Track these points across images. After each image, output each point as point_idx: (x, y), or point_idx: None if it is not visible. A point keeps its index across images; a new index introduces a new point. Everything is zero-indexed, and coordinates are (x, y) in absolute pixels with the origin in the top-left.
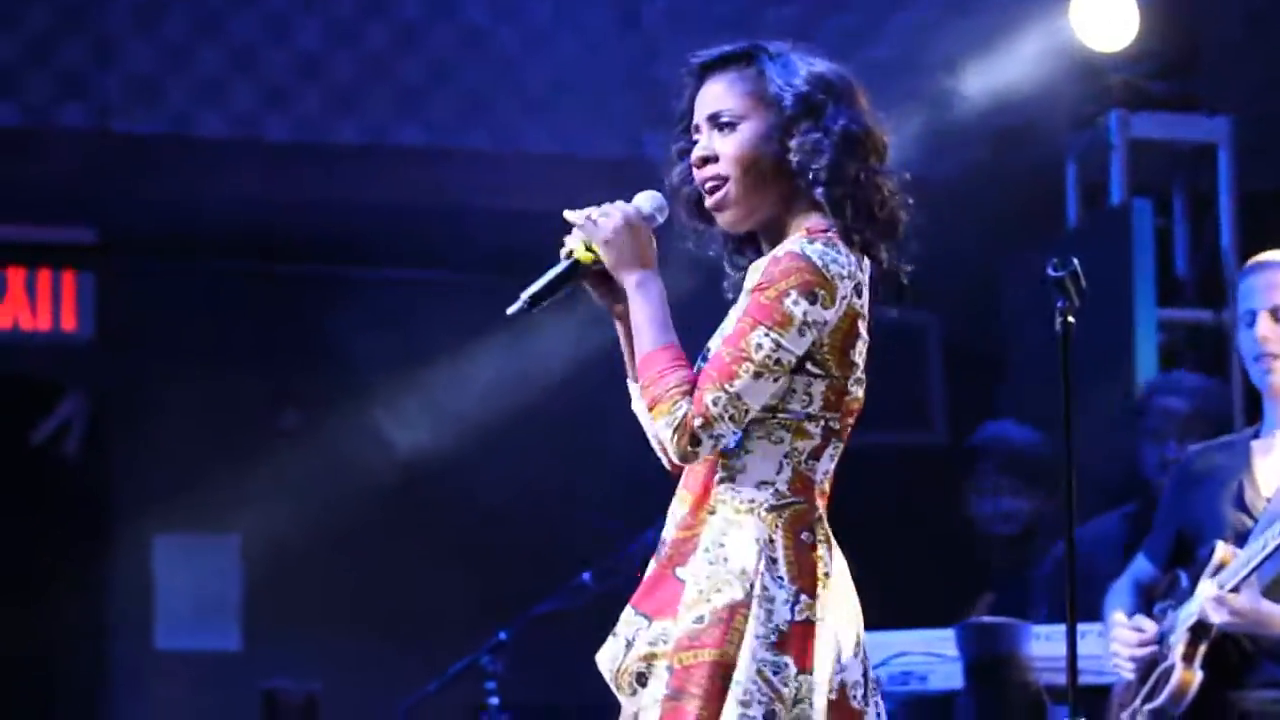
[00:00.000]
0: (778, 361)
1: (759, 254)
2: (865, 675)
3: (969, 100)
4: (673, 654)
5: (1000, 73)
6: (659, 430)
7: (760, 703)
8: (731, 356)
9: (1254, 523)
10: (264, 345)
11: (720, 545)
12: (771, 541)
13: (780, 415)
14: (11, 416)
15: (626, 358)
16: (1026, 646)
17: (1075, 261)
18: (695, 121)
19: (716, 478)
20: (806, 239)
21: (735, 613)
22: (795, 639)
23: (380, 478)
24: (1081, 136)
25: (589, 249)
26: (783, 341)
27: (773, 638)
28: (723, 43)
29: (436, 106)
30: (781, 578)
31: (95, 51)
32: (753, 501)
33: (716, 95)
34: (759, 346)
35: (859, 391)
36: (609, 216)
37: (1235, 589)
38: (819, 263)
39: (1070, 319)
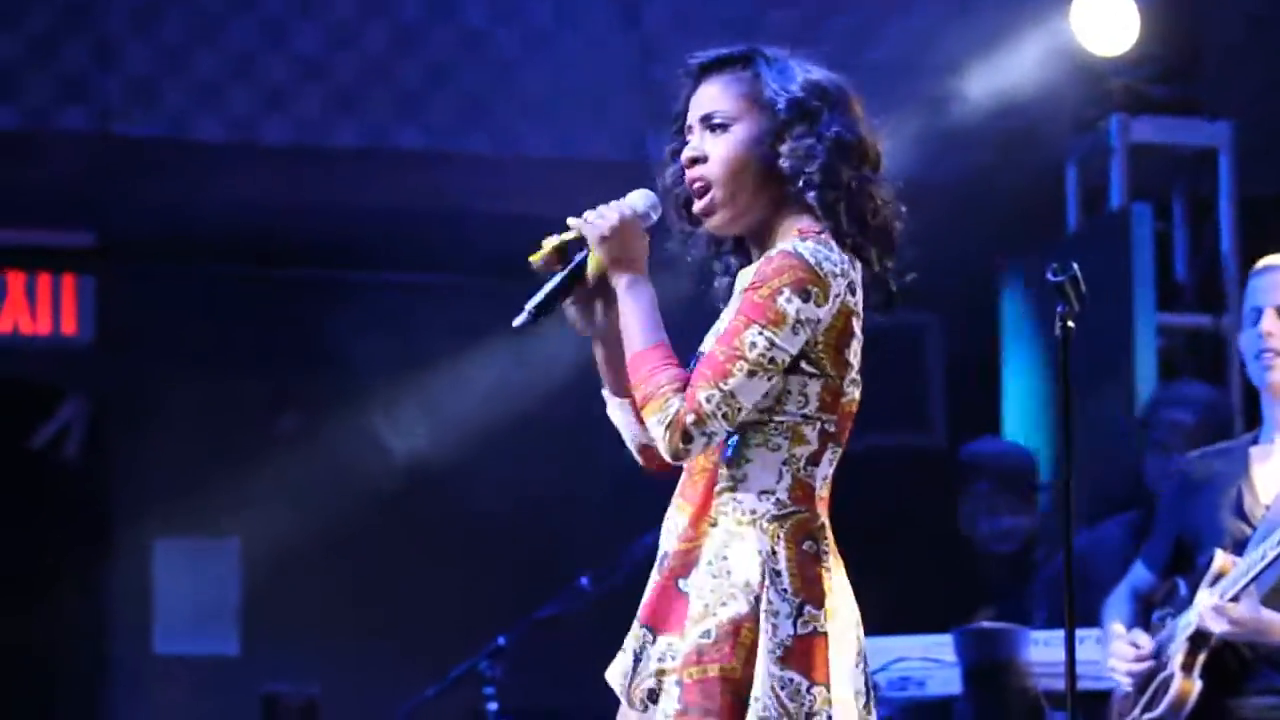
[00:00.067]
0: (771, 360)
1: (747, 260)
2: (866, 684)
3: (970, 103)
4: (681, 669)
5: (1001, 76)
6: (650, 427)
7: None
8: (725, 355)
9: (1252, 530)
10: (263, 349)
11: (723, 558)
12: (774, 553)
13: (777, 418)
14: (11, 420)
15: (604, 375)
16: (1025, 652)
17: (1075, 266)
18: (689, 122)
19: (716, 488)
20: (799, 238)
21: (741, 626)
22: (802, 653)
23: (380, 482)
24: (1082, 140)
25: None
26: (776, 340)
27: (778, 653)
28: (723, 45)
29: (436, 109)
30: (785, 590)
31: (94, 54)
32: (754, 512)
33: (711, 96)
34: (753, 345)
35: (855, 394)
36: (604, 217)
37: (1234, 598)
38: (812, 260)
39: (1070, 323)
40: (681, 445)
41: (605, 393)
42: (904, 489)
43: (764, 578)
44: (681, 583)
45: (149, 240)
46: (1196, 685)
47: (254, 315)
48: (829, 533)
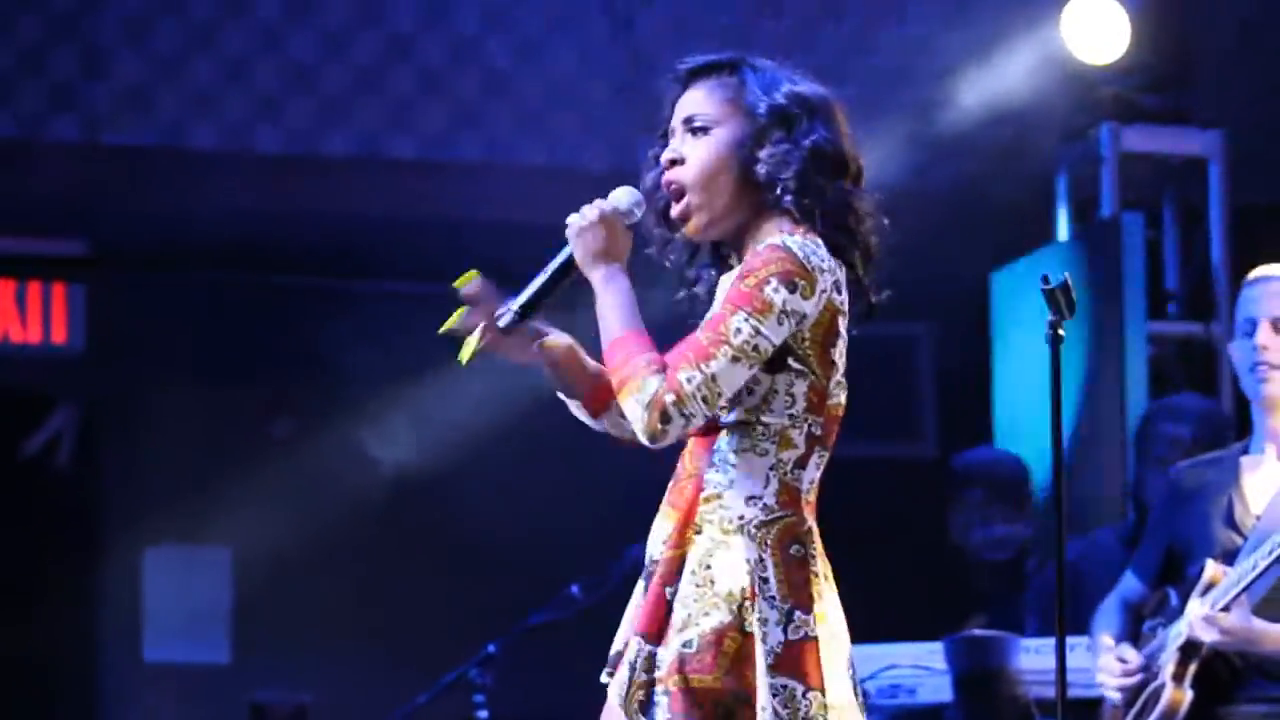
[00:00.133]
0: (755, 348)
1: (726, 268)
2: (856, 690)
3: (960, 112)
4: (666, 678)
5: (992, 85)
6: (627, 409)
7: None
8: (709, 339)
9: (1243, 540)
10: (255, 357)
11: (707, 568)
12: (762, 561)
13: (764, 420)
14: (1, 429)
15: (561, 390)
16: (1015, 660)
17: (1066, 274)
18: (672, 125)
19: (703, 495)
20: (787, 234)
21: (724, 636)
22: (794, 659)
23: (371, 490)
24: (1072, 149)
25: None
26: (761, 328)
27: (769, 659)
28: (714, 53)
29: (429, 118)
30: (774, 598)
31: (86, 63)
32: (741, 519)
33: (695, 100)
34: (738, 331)
35: (841, 397)
36: (582, 214)
37: (1225, 608)
38: (800, 254)
39: (1060, 331)
40: (660, 425)
41: (566, 400)
42: (895, 498)
43: (752, 585)
44: (668, 590)
45: (140, 249)
46: (1188, 695)
47: (245, 324)
48: (816, 537)
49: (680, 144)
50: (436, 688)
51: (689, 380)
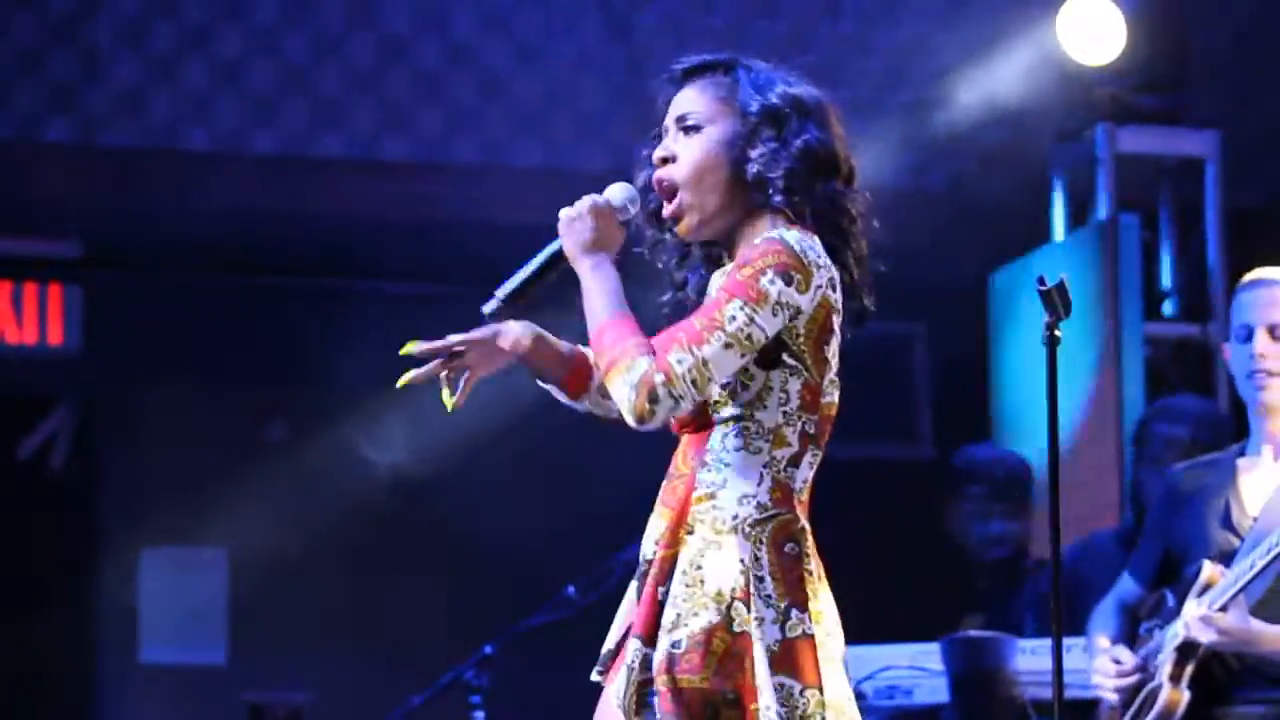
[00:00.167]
0: (749, 336)
1: (718, 268)
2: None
3: (957, 113)
4: (656, 678)
5: (988, 85)
6: (615, 389)
7: None
8: (703, 324)
9: (1240, 541)
10: (251, 359)
11: (698, 568)
12: (757, 559)
13: (759, 416)
14: None
15: (538, 377)
16: (1012, 660)
17: (1062, 275)
18: (665, 124)
19: (695, 495)
20: (784, 228)
21: (712, 636)
22: (790, 657)
23: (368, 491)
24: (1068, 150)
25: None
26: (756, 317)
27: (766, 658)
28: (710, 54)
29: (424, 120)
30: (770, 596)
31: (81, 66)
32: (735, 518)
33: (688, 99)
34: (732, 318)
35: (834, 396)
36: (575, 205)
37: (1223, 608)
38: (797, 248)
39: (1057, 332)
40: (647, 405)
41: (548, 386)
42: (891, 498)
43: (747, 585)
44: (661, 591)
45: (136, 250)
46: (1185, 696)
47: (241, 325)
48: (809, 536)
49: (672, 142)
50: (433, 689)
51: (679, 362)
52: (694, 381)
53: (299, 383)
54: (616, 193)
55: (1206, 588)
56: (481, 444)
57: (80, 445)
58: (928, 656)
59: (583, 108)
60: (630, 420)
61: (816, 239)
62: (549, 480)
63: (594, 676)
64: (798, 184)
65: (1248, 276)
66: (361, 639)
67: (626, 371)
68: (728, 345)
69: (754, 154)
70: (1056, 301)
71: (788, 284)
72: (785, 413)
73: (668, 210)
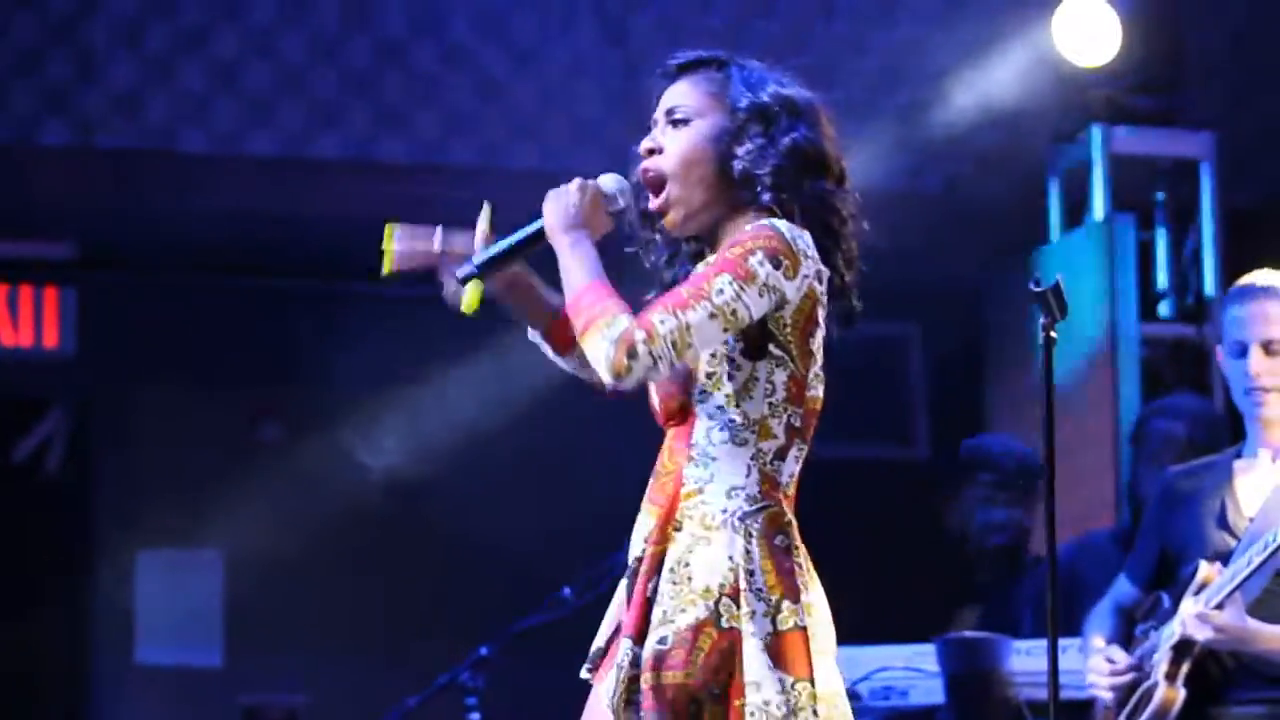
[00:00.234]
0: (734, 312)
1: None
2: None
3: (952, 114)
4: (642, 675)
5: (983, 87)
6: (592, 347)
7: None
8: (690, 293)
9: (1236, 542)
10: (246, 360)
11: (685, 565)
12: (748, 553)
13: (745, 406)
14: None
15: (519, 318)
16: (1008, 661)
17: (1058, 276)
18: (655, 117)
19: (683, 491)
20: (775, 217)
21: (699, 633)
22: (782, 649)
23: (362, 493)
24: (1064, 151)
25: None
26: (744, 294)
27: (765, 652)
28: (705, 50)
29: (421, 122)
30: (761, 589)
31: (77, 67)
32: (725, 512)
33: (679, 92)
34: (720, 291)
35: (819, 391)
36: (563, 186)
37: (1219, 606)
38: (787, 235)
39: (1052, 334)
40: (625, 361)
41: (530, 332)
42: (886, 499)
43: (736, 581)
44: (650, 587)
45: (131, 252)
46: (1180, 694)
47: (237, 327)
48: (796, 530)
49: (660, 134)
50: (429, 690)
51: (662, 323)
52: (674, 344)
53: (294, 384)
54: (608, 181)
55: (1203, 586)
56: (477, 446)
57: (76, 447)
58: (923, 657)
59: (579, 110)
60: (606, 377)
61: (807, 233)
62: (544, 482)
63: (583, 674)
64: (785, 181)
65: (1239, 284)
66: (357, 640)
67: (606, 328)
68: (712, 315)
69: (740, 150)
70: (1052, 303)
71: (775, 268)
72: (771, 404)
73: (654, 203)
